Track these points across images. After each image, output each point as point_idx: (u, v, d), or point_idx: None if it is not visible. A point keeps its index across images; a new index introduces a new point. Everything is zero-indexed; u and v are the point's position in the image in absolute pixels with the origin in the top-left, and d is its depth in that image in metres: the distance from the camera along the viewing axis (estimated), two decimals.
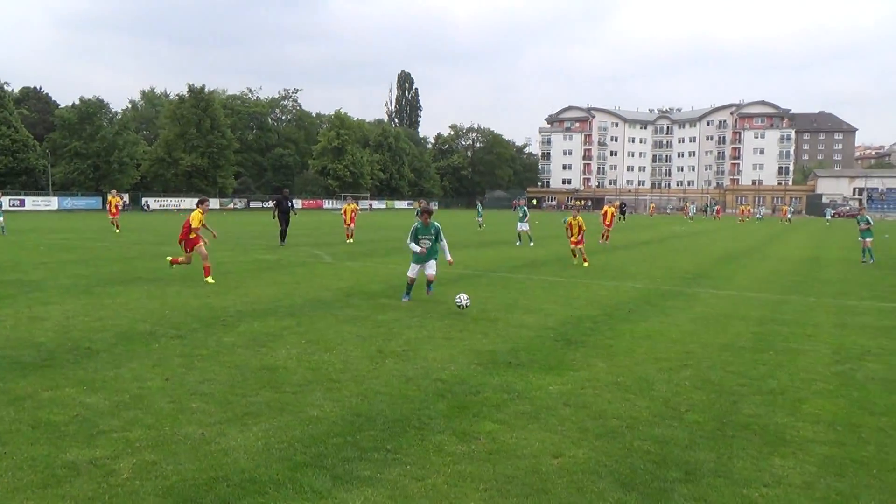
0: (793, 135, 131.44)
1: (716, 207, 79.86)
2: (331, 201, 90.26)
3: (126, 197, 62.77)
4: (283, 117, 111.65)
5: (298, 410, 5.38)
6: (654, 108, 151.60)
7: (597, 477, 4.26)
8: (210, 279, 12.68)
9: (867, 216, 20.74)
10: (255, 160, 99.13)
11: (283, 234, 22.54)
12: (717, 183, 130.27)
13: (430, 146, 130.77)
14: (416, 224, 10.99)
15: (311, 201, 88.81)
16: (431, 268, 11.00)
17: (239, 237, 26.93)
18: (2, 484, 3.96)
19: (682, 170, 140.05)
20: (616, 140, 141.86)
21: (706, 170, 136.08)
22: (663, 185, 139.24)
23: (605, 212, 26.76)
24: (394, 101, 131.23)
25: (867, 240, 20.04)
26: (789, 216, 58.39)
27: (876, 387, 6.47)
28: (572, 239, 17.80)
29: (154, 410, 5.32)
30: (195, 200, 18.85)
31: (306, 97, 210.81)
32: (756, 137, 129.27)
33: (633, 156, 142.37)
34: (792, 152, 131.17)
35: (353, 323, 9.06)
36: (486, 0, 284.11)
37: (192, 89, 79.45)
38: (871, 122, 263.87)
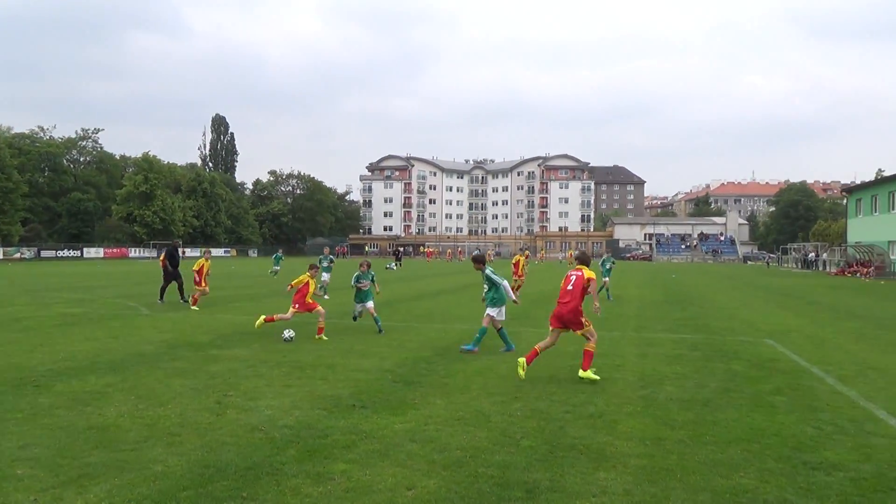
0: (592, 186, 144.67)
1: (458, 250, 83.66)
2: (138, 250, 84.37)
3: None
4: (82, 159, 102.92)
5: (141, 467, 5.15)
6: (469, 159, 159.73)
7: (449, 503, 4.57)
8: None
9: (612, 258, 24.25)
10: (46, 205, 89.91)
11: (163, 291, 19.59)
12: (529, 229, 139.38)
13: (248, 192, 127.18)
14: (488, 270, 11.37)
15: (115, 250, 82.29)
16: (503, 314, 11.29)
17: (35, 290, 24.41)
18: None
19: (497, 217, 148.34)
20: (434, 188, 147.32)
21: (518, 217, 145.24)
22: (480, 231, 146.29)
23: (517, 261, 23.88)
24: (208, 145, 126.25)
25: (606, 279, 22.74)
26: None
27: (674, 406, 7.45)
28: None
29: None
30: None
31: (109, 138, 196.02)
32: (561, 188, 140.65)
33: (451, 203, 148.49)
34: (592, 202, 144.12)
35: (184, 376, 8.71)
36: (301, 46, 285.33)
37: None
38: (657, 175, 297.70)
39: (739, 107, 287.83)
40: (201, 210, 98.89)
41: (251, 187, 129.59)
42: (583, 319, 8.76)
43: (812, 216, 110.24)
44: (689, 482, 5.05)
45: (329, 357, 10.30)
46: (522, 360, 8.72)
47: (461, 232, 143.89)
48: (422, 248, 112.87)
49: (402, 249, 63.28)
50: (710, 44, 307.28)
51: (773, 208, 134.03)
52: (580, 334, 8.85)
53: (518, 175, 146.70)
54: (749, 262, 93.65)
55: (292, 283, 12.65)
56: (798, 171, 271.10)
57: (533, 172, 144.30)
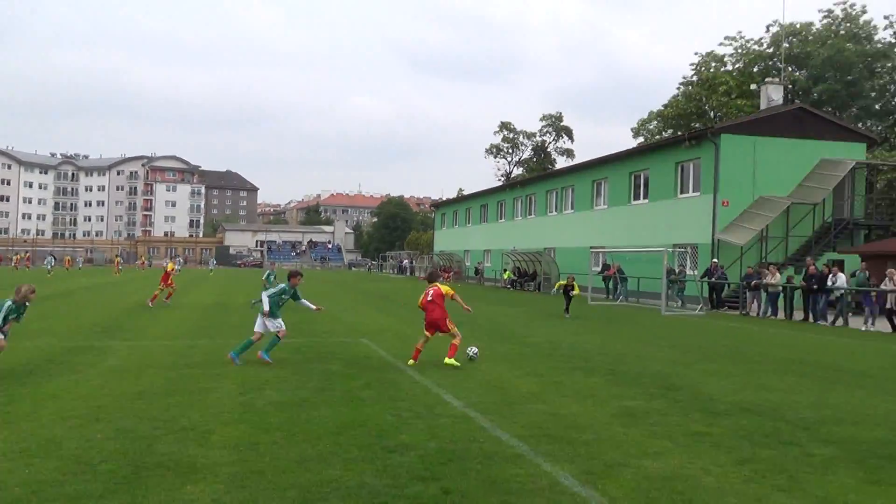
0: (203, 190, 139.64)
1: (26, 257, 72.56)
2: None
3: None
4: None
5: None
6: (57, 153, 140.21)
7: None
8: None
9: (274, 271, 23.67)
10: None
11: None
12: (130, 233, 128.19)
13: None
14: (284, 285, 11.17)
15: None
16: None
17: None
18: None
19: (91, 219, 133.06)
20: (9, 183, 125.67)
21: (117, 220, 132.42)
22: (69, 234, 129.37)
23: (171, 269, 23.64)
24: None
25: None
26: (178, 267, 60.27)
27: (272, 410, 7.53)
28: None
29: None
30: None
31: None
32: (168, 191, 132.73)
33: (30, 202, 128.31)
34: (203, 206, 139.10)
35: None
36: None
37: None
38: (271, 183, 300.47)
39: (350, 123, 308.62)
40: None
41: None
42: (448, 322, 10.79)
43: (408, 227, 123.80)
44: (278, 482, 5.13)
45: None
46: (411, 361, 10.76)
47: (43, 234, 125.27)
48: None
49: None
50: (324, 61, 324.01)
51: (375, 219, 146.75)
52: (449, 334, 10.81)
53: (118, 174, 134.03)
54: (354, 269, 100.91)
55: None
56: (397, 186, 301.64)
57: (136, 172, 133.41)
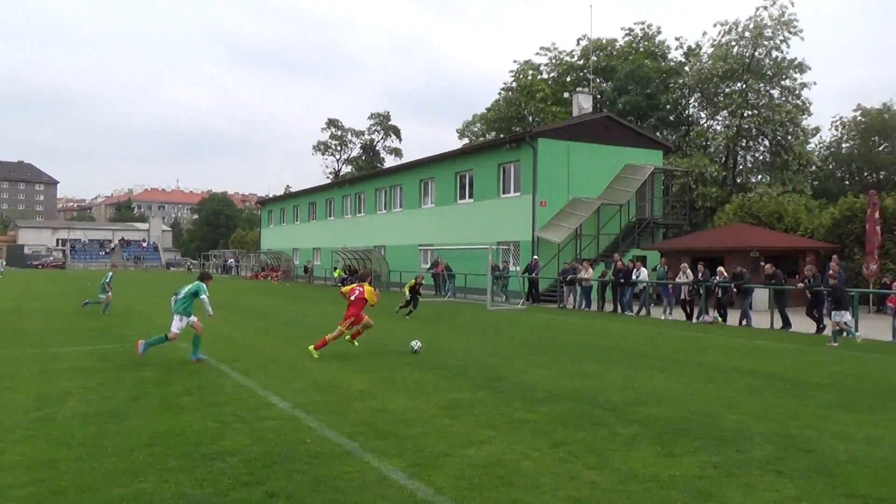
0: None
1: None
2: None
3: None
4: None
5: None
6: None
7: None
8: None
9: (112, 274, 21.79)
10: None
11: None
12: None
13: None
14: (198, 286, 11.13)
15: None
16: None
17: None
18: None
19: None
20: None
21: None
22: None
23: None
24: None
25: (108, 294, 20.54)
26: None
27: (75, 423, 6.87)
28: None
29: None
30: None
31: None
32: None
33: None
34: None
35: None
36: None
37: None
38: (73, 176, 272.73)
39: (164, 113, 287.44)
40: None
41: None
42: (355, 323, 11.99)
43: (232, 224, 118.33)
44: (82, 500, 4.69)
45: None
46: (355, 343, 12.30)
47: None
48: None
49: None
50: (132, 46, 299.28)
51: (196, 216, 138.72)
52: (337, 331, 11.78)
53: None
54: (172, 269, 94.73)
55: None
56: (220, 181, 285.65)
57: None
